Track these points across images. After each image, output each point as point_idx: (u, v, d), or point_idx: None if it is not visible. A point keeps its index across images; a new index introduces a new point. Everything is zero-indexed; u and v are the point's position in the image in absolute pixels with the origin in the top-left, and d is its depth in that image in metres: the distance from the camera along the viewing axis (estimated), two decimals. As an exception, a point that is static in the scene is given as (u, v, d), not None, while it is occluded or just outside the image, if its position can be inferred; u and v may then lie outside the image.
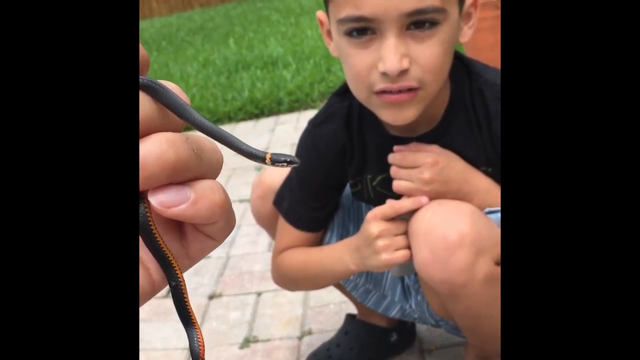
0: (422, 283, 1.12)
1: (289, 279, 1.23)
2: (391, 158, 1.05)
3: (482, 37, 2.76)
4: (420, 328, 1.44)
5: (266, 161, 0.36)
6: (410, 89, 0.94)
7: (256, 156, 0.36)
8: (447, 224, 0.96)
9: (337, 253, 1.12)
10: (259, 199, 1.27)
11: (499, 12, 2.69)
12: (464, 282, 0.96)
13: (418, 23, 0.90)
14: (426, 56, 0.91)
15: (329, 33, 1.04)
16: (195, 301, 1.75)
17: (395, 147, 1.05)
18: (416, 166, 1.02)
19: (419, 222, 0.99)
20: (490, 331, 1.07)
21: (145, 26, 8.51)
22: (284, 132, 3.18)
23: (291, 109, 3.57)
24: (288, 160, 0.36)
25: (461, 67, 1.06)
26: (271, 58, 4.53)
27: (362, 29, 0.93)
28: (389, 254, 1.02)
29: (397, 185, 1.04)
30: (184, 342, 1.54)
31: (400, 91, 0.93)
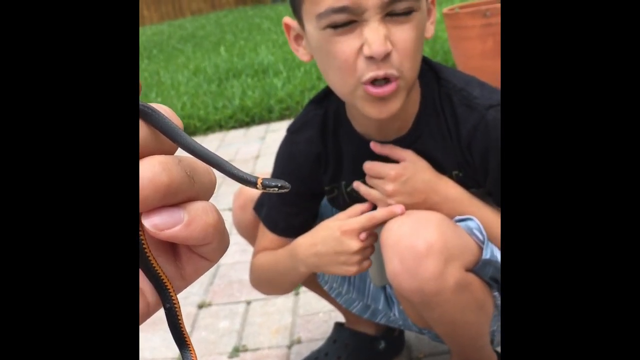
0: (397, 294, 1.12)
1: (258, 281, 1.25)
2: (365, 165, 1.07)
3: (471, 46, 2.80)
4: (409, 336, 1.44)
5: (257, 186, 0.36)
6: (394, 79, 0.96)
7: (247, 181, 0.36)
8: (414, 233, 0.97)
9: (288, 259, 1.13)
10: (239, 209, 1.29)
11: (487, 21, 2.72)
12: (435, 290, 0.97)
13: (396, 11, 0.93)
14: (405, 39, 0.94)
15: (297, 38, 1.05)
16: (185, 310, 1.75)
17: (371, 144, 1.06)
18: (381, 177, 1.04)
19: (388, 233, 1.01)
20: (468, 337, 1.08)
21: (137, 34, 8.49)
22: (274, 140, 3.18)
23: (282, 117, 3.58)
24: (279, 185, 0.37)
25: (430, 72, 1.08)
26: (262, 66, 4.54)
27: (345, 21, 0.94)
28: (360, 266, 1.05)
29: (366, 192, 1.07)
30: (173, 351, 1.54)
31: (385, 79, 0.95)
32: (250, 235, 1.30)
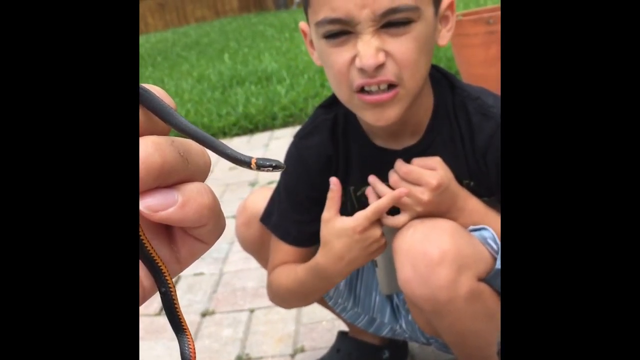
0: (407, 300, 1.11)
1: (282, 299, 1.22)
2: (398, 166, 1.03)
3: (473, 53, 2.80)
4: (413, 345, 1.43)
5: (251, 166, 0.35)
6: (389, 86, 0.95)
7: (241, 161, 0.35)
8: (427, 240, 0.96)
9: (317, 279, 1.11)
10: (243, 225, 1.26)
11: (490, 28, 2.72)
12: (447, 299, 0.96)
13: (392, 22, 0.92)
14: (401, 50, 0.93)
15: (311, 43, 1.05)
16: (188, 319, 1.74)
17: (398, 162, 1.03)
18: (418, 184, 1.01)
19: (401, 239, 0.99)
20: (476, 346, 1.07)
21: (141, 41, 8.54)
22: (278, 147, 3.18)
23: (285, 124, 3.58)
24: (274, 164, 0.36)
25: (444, 80, 1.08)
26: (265, 73, 4.55)
27: (339, 32, 0.95)
28: (384, 244, 1.04)
29: (387, 194, 1.03)
30: (177, 359, 1.53)
31: (379, 88, 0.95)
32: (255, 251, 1.28)
